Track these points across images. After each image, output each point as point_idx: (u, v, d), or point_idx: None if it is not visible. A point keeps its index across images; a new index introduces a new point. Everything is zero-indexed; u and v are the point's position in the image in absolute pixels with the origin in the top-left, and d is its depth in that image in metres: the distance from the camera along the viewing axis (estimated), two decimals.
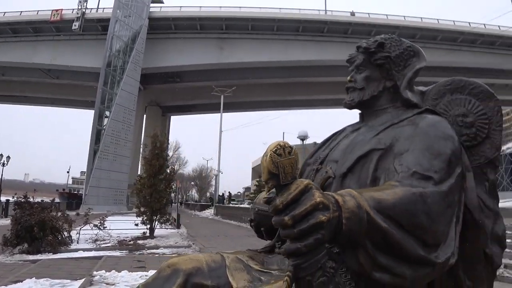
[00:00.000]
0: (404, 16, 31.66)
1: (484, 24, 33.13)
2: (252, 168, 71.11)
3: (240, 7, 30.54)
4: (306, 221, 0.74)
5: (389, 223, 0.83)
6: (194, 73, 31.74)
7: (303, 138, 17.30)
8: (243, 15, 29.63)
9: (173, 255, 7.94)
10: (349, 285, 0.94)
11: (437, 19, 31.97)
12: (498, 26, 32.72)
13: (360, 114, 1.41)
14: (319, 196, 0.77)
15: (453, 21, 32.33)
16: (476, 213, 1.15)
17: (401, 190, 0.89)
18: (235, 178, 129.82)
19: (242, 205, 33.69)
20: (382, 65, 1.31)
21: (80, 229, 8.89)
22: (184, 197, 59.10)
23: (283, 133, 35.99)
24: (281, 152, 0.76)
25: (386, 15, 31.69)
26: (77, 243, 8.55)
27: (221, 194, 44.56)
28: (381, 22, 30.92)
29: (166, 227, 11.91)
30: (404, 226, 0.85)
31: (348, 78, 1.37)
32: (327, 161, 1.30)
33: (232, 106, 37.65)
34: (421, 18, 31.88)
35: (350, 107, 1.36)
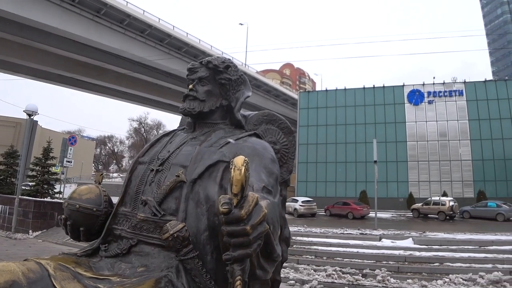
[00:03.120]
0: (159, 18, 36.45)
1: (222, 52, 43.34)
2: None
3: None
4: (257, 230, 0.92)
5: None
6: None
7: (31, 113, 15.82)
8: None
9: None
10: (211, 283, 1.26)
11: (186, 33, 38.97)
12: (232, 57, 44.55)
13: (192, 122, 1.71)
14: (264, 207, 0.97)
15: (199, 39, 40.09)
16: (281, 220, 1.53)
17: (265, 201, 1.13)
18: None
19: None
20: (223, 85, 1.68)
21: None
22: None
23: None
24: (247, 167, 0.93)
25: (144, 10, 35.08)
26: None
27: None
28: (136, 15, 34.06)
29: None
30: (271, 230, 1.08)
31: (190, 86, 1.67)
32: (172, 165, 1.50)
33: None
34: (173, 26, 37.70)
35: (190, 114, 1.66)
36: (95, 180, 1.77)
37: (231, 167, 0.94)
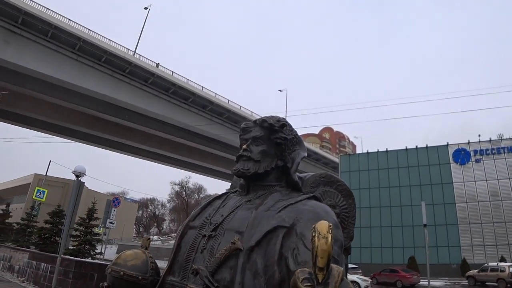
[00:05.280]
0: (202, 86, 37.99)
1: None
2: None
3: (48, 8, 28.85)
4: None
5: None
6: None
7: (78, 174, 15.66)
8: (47, 17, 28.38)
9: None
10: None
11: (228, 100, 40.28)
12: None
13: (245, 184, 1.62)
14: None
15: (240, 106, 41.41)
16: None
17: None
18: None
19: None
20: (279, 144, 1.60)
21: None
22: None
23: (50, 161, 35.85)
24: (333, 235, 0.85)
25: (188, 79, 37.08)
26: None
27: None
28: (181, 84, 36.05)
29: None
30: None
31: (244, 146, 1.60)
32: (226, 230, 1.40)
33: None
34: (215, 93, 39.06)
35: (244, 176, 1.57)
36: (142, 245, 1.62)
37: (313, 234, 0.86)
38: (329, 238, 0.82)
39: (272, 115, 1.71)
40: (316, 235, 0.83)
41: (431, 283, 18.08)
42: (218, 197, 1.68)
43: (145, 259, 1.49)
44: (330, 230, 0.84)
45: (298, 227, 1.31)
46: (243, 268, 1.27)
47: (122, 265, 1.44)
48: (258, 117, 1.70)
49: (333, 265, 0.85)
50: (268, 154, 1.60)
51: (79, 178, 16.30)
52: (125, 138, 39.89)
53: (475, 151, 33.72)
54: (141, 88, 35.17)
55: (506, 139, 33.63)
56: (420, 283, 23.87)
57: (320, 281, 0.81)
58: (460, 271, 28.27)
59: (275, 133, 1.61)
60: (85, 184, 34.01)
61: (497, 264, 23.87)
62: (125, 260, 1.46)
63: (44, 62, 29.35)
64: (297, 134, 1.70)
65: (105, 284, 1.45)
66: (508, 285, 21.78)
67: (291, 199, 1.48)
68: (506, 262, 25.45)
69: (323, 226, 0.85)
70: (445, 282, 25.86)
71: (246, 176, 1.57)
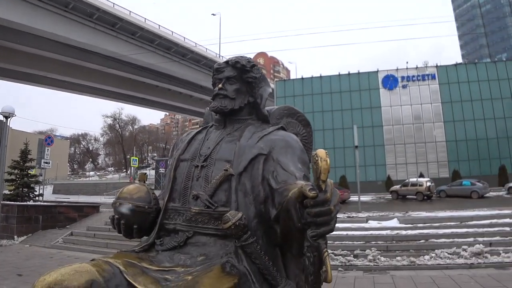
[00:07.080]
0: (130, 11, 35.60)
1: (196, 43, 43.30)
2: None
3: None
4: (336, 209, 1.07)
5: None
6: None
7: (8, 115, 15.40)
8: None
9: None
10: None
11: (159, 25, 38.39)
12: (206, 48, 44.18)
13: (221, 119, 1.82)
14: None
15: (172, 31, 39.61)
16: None
17: None
18: None
19: None
20: (250, 83, 1.80)
21: None
22: None
23: None
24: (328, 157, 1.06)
25: (114, 3, 34.35)
26: None
27: None
28: (106, 8, 33.36)
29: None
30: None
31: (220, 86, 1.78)
32: (216, 160, 1.63)
33: None
34: (145, 18, 37.01)
35: (222, 112, 1.77)
36: (139, 179, 1.82)
37: (316, 159, 1.08)
38: (328, 160, 1.05)
39: (242, 55, 1.89)
40: (319, 159, 1.06)
41: (361, 198, 20.25)
42: (199, 132, 1.87)
43: (147, 191, 1.65)
44: (328, 155, 1.07)
45: (273, 154, 1.57)
46: (236, 189, 1.53)
47: (129, 198, 1.59)
48: (190, 44, 2.00)
49: (328, 179, 1.07)
50: (241, 91, 1.79)
51: (9, 119, 15.60)
52: (46, 71, 36.87)
53: (403, 77, 36.08)
54: (61, 14, 32.01)
55: (431, 66, 36.18)
56: (350, 199, 26.31)
57: (322, 189, 1.05)
58: (385, 187, 31.58)
59: (247, 73, 1.79)
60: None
61: (417, 180, 27.10)
62: (130, 193, 1.61)
63: None
64: (262, 73, 1.89)
65: (116, 216, 1.58)
66: (425, 197, 25.09)
67: (264, 130, 1.71)
68: (424, 177, 28.84)
69: (322, 152, 1.07)
70: (372, 197, 28.64)
71: (224, 112, 1.76)
